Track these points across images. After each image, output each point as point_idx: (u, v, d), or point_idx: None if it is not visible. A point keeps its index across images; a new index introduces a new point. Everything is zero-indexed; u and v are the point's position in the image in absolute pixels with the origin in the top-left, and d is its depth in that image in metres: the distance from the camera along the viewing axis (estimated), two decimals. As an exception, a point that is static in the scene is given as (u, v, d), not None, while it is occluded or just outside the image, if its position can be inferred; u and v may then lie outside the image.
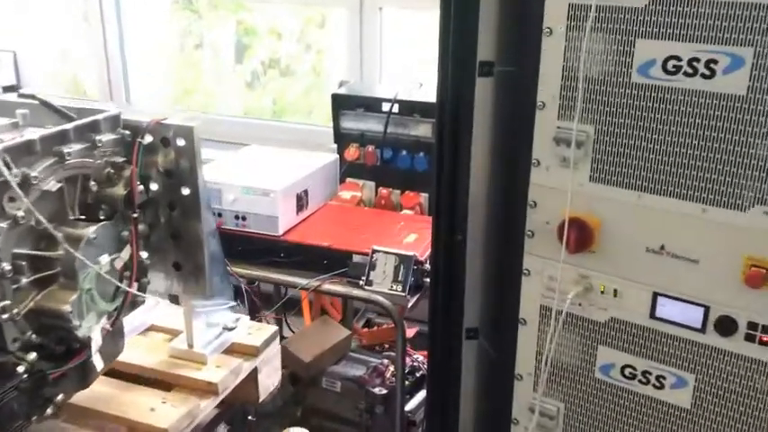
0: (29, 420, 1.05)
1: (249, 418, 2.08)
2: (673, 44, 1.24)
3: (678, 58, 1.24)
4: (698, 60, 1.23)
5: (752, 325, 1.30)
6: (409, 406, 2.24)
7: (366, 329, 2.59)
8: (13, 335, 1.03)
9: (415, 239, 2.07)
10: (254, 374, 1.42)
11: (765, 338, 1.29)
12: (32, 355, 1.04)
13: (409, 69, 3.24)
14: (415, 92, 2.54)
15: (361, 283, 1.93)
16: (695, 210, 1.30)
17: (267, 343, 1.45)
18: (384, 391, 2.21)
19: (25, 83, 2.14)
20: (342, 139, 2.57)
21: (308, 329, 2.41)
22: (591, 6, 1.27)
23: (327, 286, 1.95)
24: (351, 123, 2.55)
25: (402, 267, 1.91)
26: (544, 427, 1.60)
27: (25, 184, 1.02)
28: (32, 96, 1.16)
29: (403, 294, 1.89)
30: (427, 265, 1.94)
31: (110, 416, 1.21)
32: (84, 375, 1.16)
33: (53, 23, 3.59)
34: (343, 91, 2.62)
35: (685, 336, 1.37)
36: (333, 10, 3.25)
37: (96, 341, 1.11)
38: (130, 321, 1.33)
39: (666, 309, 1.38)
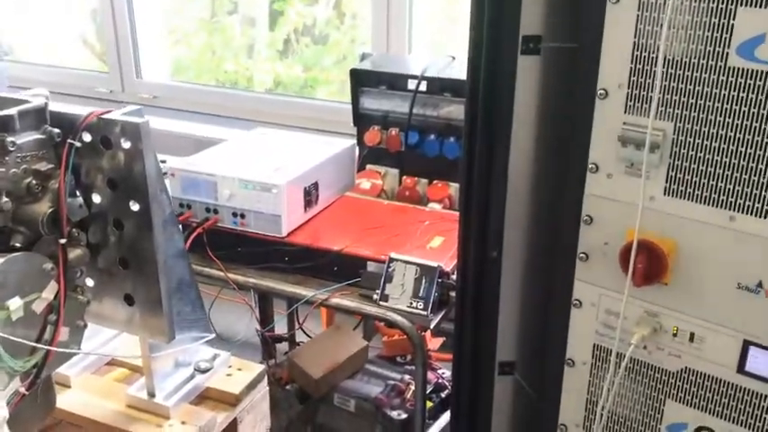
0: None
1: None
2: (791, 15, 0.91)
3: (797, 35, 0.91)
4: (826, 38, 0.89)
5: None
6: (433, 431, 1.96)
7: (386, 338, 2.30)
8: None
9: (442, 243, 1.76)
10: (233, 427, 1.14)
11: None
12: None
13: (441, 43, 2.92)
14: (446, 68, 2.21)
15: (375, 297, 1.64)
16: (809, 238, 0.97)
17: (251, 386, 1.17)
18: (403, 416, 1.92)
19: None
20: (362, 120, 2.26)
21: (319, 339, 2.13)
22: (678, -37, 0.94)
23: (336, 300, 1.66)
24: (372, 103, 2.24)
25: (424, 280, 1.60)
26: (593, 490, 1.31)
27: None
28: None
29: (425, 314, 1.59)
30: (454, 278, 1.63)
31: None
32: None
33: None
34: (365, 66, 2.30)
35: (785, 397, 1.06)
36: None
37: (1, 414, 0.84)
38: (87, 350, 1.07)
39: (760, 361, 1.06)
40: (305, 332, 2.35)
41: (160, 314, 1.01)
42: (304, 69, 3.38)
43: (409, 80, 2.18)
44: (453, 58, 2.29)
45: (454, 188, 2.18)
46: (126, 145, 0.93)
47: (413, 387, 2.00)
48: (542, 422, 1.35)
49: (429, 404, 1.97)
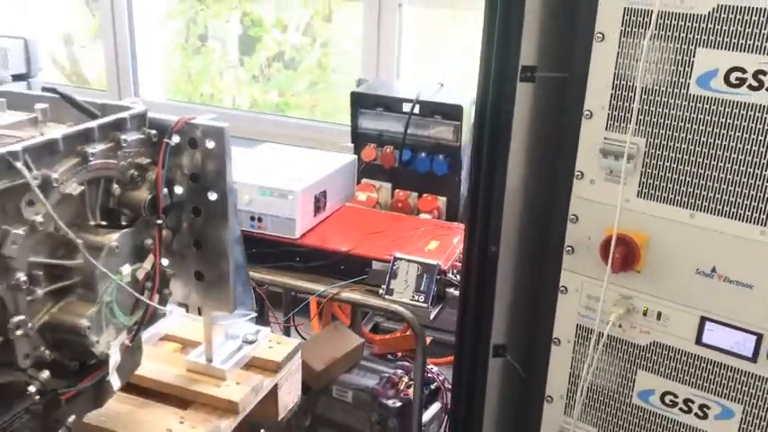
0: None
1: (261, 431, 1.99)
2: (738, 55, 1.16)
3: (743, 70, 1.16)
4: (764, 73, 1.15)
5: (809, 356, 1.22)
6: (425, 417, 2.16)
7: (379, 337, 2.51)
8: (25, 350, 0.95)
9: (437, 247, 1.99)
10: (274, 391, 1.34)
11: (823, 371, 1.22)
12: (45, 374, 0.96)
13: (426, 68, 3.17)
14: (436, 93, 2.45)
15: (381, 291, 1.85)
16: (752, 232, 1.22)
17: (289, 357, 1.37)
18: (398, 404, 2.13)
19: (35, 72, 2.07)
20: (359, 138, 2.49)
21: (320, 336, 2.33)
22: (652, 12, 1.19)
23: (346, 294, 1.87)
24: (369, 123, 2.47)
25: (425, 277, 1.82)
26: (574, 452, 1.53)
27: (46, 186, 0.93)
28: (54, 90, 1.07)
29: (425, 306, 1.81)
30: (450, 276, 1.85)
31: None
32: (99, 395, 1.08)
33: (57, 8, 3.50)
34: (362, 89, 2.53)
35: (734, 364, 1.30)
36: (349, 4, 3.17)
37: (114, 358, 1.03)
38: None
39: (715, 335, 1.30)
40: (299, 333, 2.56)
41: (226, 289, 1.21)
42: (279, 94, 3.59)
43: (404, 103, 2.41)
44: (442, 84, 2.53)
45: (442, 201, 2.41)
46: (210, 145, 1.13)
47: (405, 379, 2.21)
48: (529, 396, 1.57)
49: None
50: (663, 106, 1.25)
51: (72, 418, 1.02)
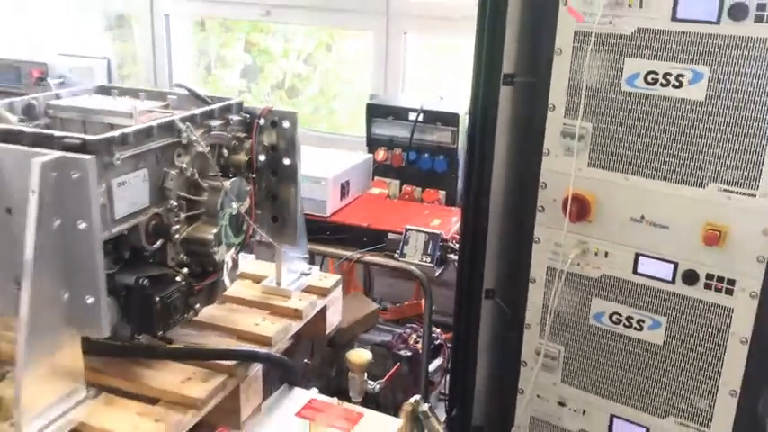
0: (183, 316, 1.44)
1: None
2: (652, 62, 1.67)
3: (656, 73, 1.67)
4: (670, 74, 1.65)
5: (709, 276, 1.71)
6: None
7: (391, 306, 3.00)
8: (172, 255, 1.43)
9: (440, 223, 2.48)
10: (322, 312, 1.81)
11: (720, 286, 1.70)
12: (184, 270, 1.44)
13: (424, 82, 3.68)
14: (438, 104, 2.96)
15: (396, 255, 2.34)
16: (668, 188, 1.72)
17: (334, 286, 1.84)
18: (408, 353, 2.60)
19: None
20: (372, 143, 2.99)
21: (343, 301, 2.80)
22: (592, 33, 1.70)
23: (368, 257, 2.36)
24: (381, 130, 2.97)
25: (431, 243, 2.32)
26: (547, 367, 2.00)
27: (188, 145, 1.42)
28: (181, 86, 1.57)
29: (431, 266, 2.30)
30: (450, 243, 2.34)
31: (225, 328, 1.59)
32: (213, 292, 1.56)
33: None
34: (375, 102, 3.04)
35: (659, 287, 1.78)
36: (358, 33, 3.69)
37: (228, 265, 1.51)
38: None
39: (645, 266, 1.79)
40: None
41: (293, 229, 1.70)
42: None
43: (410, 113, 2.92)
44: (442, 98, 3.05)
45: (442, 194, 2.91)
46: (285, 125, 1.63)
47: (414, 336, 2.69)
48: (512, 326, 2.05)
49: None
50: (603, 99, 1.75)
51: (198, 305, 1.50)
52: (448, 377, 2.64)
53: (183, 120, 1.40)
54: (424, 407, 1.76)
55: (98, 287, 1.23)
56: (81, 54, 2.53)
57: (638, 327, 1.84)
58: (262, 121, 1.62)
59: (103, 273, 1.24)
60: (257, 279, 1.84)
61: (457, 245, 2.34)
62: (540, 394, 2.03)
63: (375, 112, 2.98)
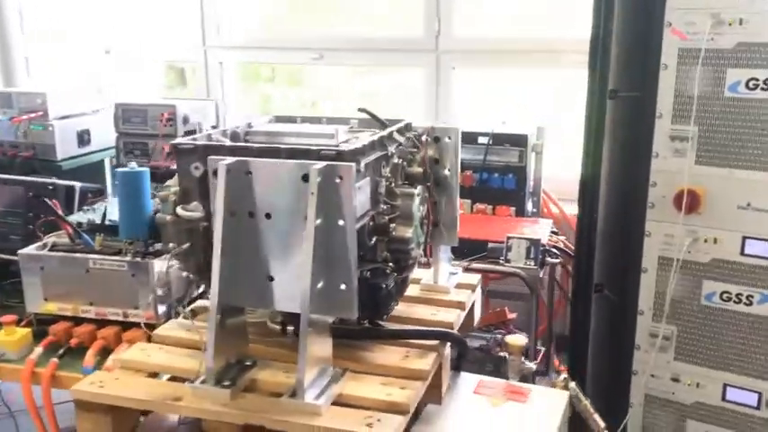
0: (396, 302, 1.66)
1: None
2: (752, 70, 1.95)
3: (756, 79, 1.95)
4: (769, 80, 1.94)
5: (813, 251, 1.98)
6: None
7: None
8: (381, 251, 1.65)
9: (530, 231, 2.73)
10: (471, 306, 2.04)
11: (822, 259, 1.97)
12: (392, 265, 1.66)
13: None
14: (503, 127, 3.24)
15: (501, 261, 2.58)
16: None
17: (478, 283, 2.08)
18: (503, 354, 2.82)
19: (222, 123, 2.80)
20: (444, 166, 3.24)
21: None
22: (698, 48, 1.99)
23: (476, 265, 2.59)
24: (452, 154, 3.23)
25: (533, 248, 2.56)
26: (661, 347, 2.24)
27: (387, 158, 1.66)
28: (364, 110, 1.81)
29: (536, 268, 2.54)
30: (548, 248, 2.60)
31: (410, 319, 1.80)
32: (404, 287, 1.79)
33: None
34: (444, 129, 3.30)
35: (766, 264, 2.05)
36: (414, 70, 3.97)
37: (419, 259, 1.75)
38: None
39: (752, 247, 2.06)
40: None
41: (454, 230, 1.93)
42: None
43: (479, 137, 3.18)
44: (504, 122, 3.33)
45: (512, 210, 3.16)
46: (446, 140, 1.87)
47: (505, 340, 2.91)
48: (621, 315, 2.29)
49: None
50: (708, 105, 2.03)
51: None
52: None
53: (389, 136, 1.64)
54: (572, 383, 1.99)
55: (351, 275, 1.45)
56: (189, 98, 2.76)
57: (747, 302, 2.09)
58: (426, 138, 1.86)
59: (356, 262, 1.46)
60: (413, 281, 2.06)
61: (553, 249, 2.60)
62: (654, 373, 2.26)
63: (446, 138, 3.23)
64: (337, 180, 1.41)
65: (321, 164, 1.40)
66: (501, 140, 3.17)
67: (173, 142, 1.56)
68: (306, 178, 1.41)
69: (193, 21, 4.16)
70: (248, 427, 1.44)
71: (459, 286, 2.03)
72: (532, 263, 2.55)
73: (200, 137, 1.63)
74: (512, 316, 3.10)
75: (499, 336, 2.99)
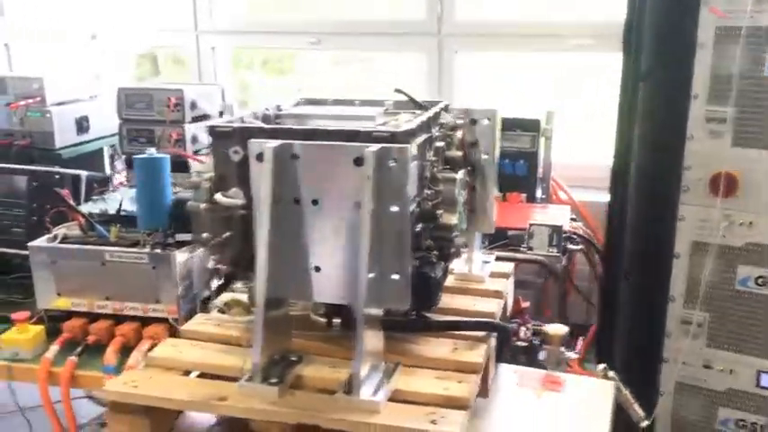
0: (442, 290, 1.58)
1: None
2: (792, 49, 1.90)
3: (796, 58, 1.90)
4: (811, 59, 1.89)
5: None
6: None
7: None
8: (424, 240, 1.57)
9: (546, 218, 2.67)
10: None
11: None
12: (435, 252, 1.58)
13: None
14: (512, 112, 3.16)
15: (523, 248, 2.51)
16: (807, 159, 1.95)
17: (511, 272, 2.01)
18: (525, 344, 2.76)
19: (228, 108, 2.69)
20: (454, 152, 3.17)
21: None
22: (738, 27, 1.93)
23: (498, 253, 2.52)
24: (461, 139, 3.15)
25: (555, 235, 2.50)
26: (692, 333, 2.19)
27: (432, 140, 1.57)
28: (400, 91, 1.72)
29: (558, 255, 2.48)
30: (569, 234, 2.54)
31: (450, 309, 1.72)
32: (445, 276, 1.71)
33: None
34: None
35: (802, 247, 2.01)
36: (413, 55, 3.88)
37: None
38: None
39: (794, 231, 2.01)
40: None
41: (490, 216, 1.86)
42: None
43: (489, 121, 3.10)
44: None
45: (522, 196, 3.10)
46: (484, 122, 1.79)
47: (522, 329, 2.85)
48: (650, 301, 2.24)
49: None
50: (746, 85, 1.97)
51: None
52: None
53: (434, 118, 1.56)
54: (611, 372, 1.93)
55: (405, 265, 1.37)
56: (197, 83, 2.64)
57: (784, 287, 2.05)
58: (462, 120, 1.78)
59: (410, 251, 1.38)
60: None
61: (573, 236, 2.54)
62: (686, 360, 2.22)
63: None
64: (391, 163, 1.32)
65: (376, 146, 1.31)
66: (512, 126, 3.09)
67: (209, 124, 1.46)
68: (359, 162, 1.32)
69: (185, 5, 4.03)
70: (299, 427, 1.35)
71: (492, 275, 1.96)
72: (555, 250, 2.48)
73: (236, 119, 1.53)
74: (525, 305, 3.04)
75: (514, 325, 2.93)
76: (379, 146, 1.32)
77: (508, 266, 2.01)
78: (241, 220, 1.48)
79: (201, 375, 1.54)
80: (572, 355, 2.01)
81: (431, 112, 1.59)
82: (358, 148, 1.33)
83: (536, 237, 2.51)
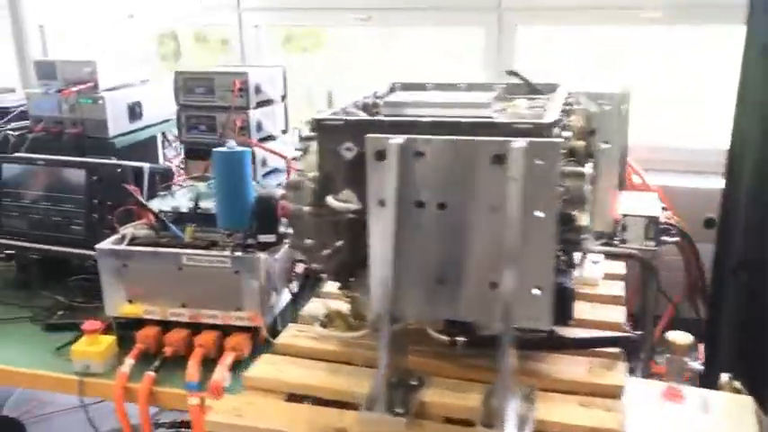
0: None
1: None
2: None
3: None
4: None
5: None
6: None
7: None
8: (555, 245, 1.38)
9: (636, 205, 2.46)
10: (620, 295, 1.79)
11: None
12: (564, 259, 1.40)
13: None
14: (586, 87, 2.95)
15: (616, 241, 2.31)
16: None
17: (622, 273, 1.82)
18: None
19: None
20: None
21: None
22: None
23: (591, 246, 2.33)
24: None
25: (652, 227, 2.29)
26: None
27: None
28: (515, 74, 1.53)
29: (655, 249, 2.28)
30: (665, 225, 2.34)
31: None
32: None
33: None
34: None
35: None
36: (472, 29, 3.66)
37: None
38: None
39: None
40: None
41: (609, 212, 1.67)
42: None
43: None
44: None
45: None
46: (607, 107, 1.60)
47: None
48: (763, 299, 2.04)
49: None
50: None
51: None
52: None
53: (569, 104, 1.36)
54: (737, 384, 1.74)
55: (548, 278, 1.19)
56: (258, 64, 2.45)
57: None
58: (582, 105, 1.59)
59: (554, 263, 1.19)
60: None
61: (669, 227, 2.34)
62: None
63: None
64: (538, 161, 1.14)
65: (522, 141, 1.12)
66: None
67: (316, 117, 1.27)
68: (499, 159, 1.13)
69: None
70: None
71: (606, 277, 1.77)
72: (652, 243, 2.28)
73: (342, 111, 1.34)
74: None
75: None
76: (526, 141, 1.13)
77: (620, 266, 1.82)
78: (349, 226, 1.30)
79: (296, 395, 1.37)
80: (697, 365, 1.82)
81: (561, 99, 1.39)
82: (498, 144, 1.14)
83: (630, 229, 2.31)
